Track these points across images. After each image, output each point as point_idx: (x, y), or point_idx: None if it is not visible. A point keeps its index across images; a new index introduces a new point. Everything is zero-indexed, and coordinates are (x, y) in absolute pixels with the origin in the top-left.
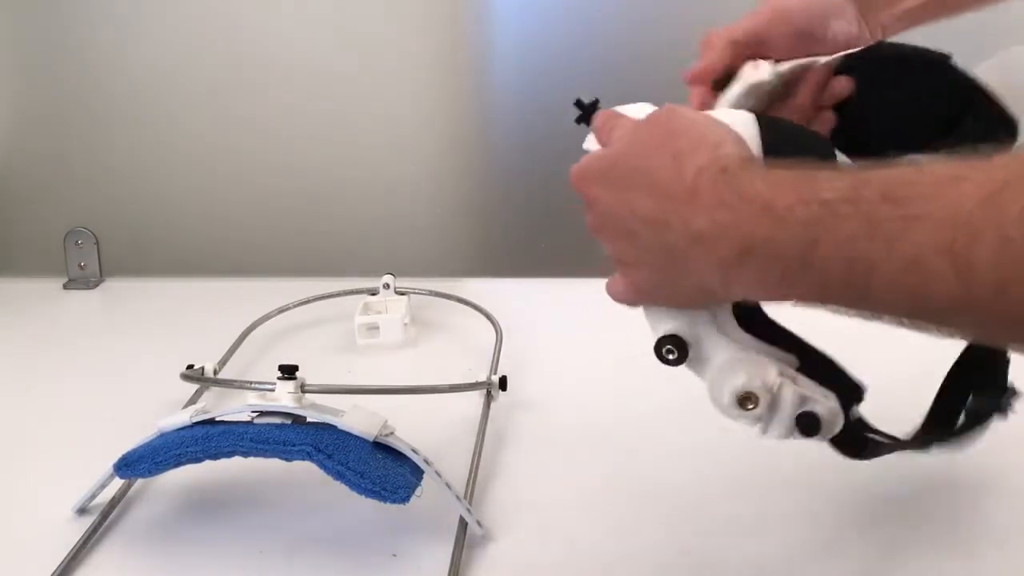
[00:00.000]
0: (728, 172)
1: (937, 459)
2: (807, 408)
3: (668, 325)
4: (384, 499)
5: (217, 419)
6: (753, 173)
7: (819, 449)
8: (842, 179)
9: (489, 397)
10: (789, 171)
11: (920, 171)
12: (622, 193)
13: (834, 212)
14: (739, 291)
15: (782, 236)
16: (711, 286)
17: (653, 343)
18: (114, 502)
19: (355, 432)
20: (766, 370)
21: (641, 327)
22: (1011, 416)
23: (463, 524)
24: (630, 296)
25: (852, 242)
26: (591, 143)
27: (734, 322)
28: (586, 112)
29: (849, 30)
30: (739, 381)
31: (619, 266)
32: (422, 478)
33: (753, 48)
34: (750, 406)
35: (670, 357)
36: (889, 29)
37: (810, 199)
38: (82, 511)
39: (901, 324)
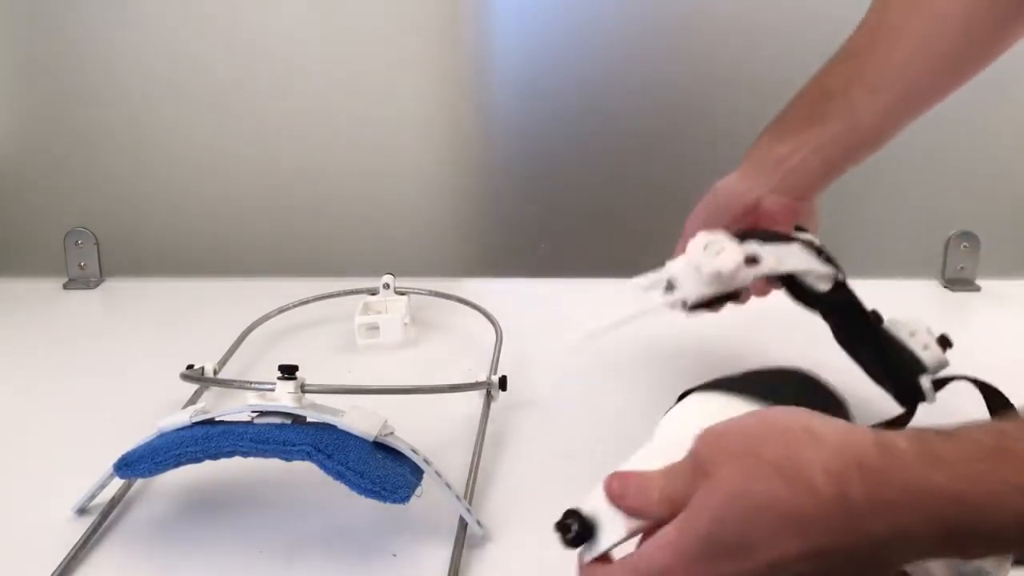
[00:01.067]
0: (870, 467)
1: None
2: None
3: None
4: (384, 499)
5: (217, 419)
6: (904, 459)
7: None
8: None
9: (489, 397)
10: (959, 446)
11: None
12: (749, 554)
13: None
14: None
15: (993, 525)
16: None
17: None
18: (114, 502)
19: (355, 432)
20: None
21: (642, 327)
22: None
23: (463, 524)
24: None
25: None
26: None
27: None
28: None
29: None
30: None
31: None
32: (422, 478)
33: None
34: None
35: None
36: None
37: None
38: (82, 511)
39: None
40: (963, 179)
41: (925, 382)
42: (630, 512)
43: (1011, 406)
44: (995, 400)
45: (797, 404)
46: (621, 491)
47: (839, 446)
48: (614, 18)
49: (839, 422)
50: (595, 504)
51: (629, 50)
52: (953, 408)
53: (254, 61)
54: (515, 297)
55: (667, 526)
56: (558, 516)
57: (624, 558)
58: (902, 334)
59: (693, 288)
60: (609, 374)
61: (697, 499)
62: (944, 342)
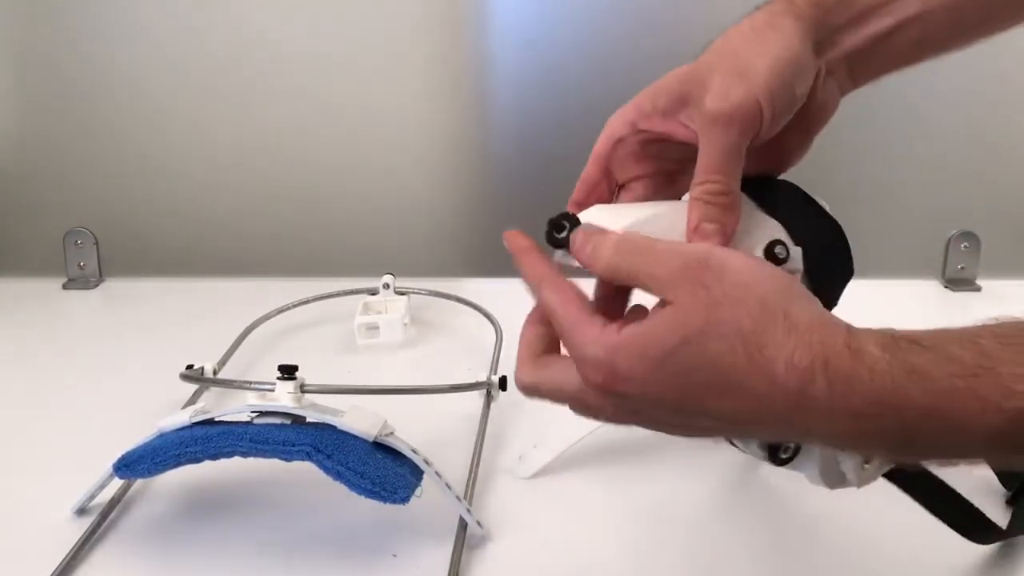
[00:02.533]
0: (838, 371)
1: None
2: None
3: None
4: (384, 499)
5: (217, 419)
6: (882, 373)
7: None
8: None
9: (489, 397)
10: (941, 363)
11: None
12: (684, 396)
13: None
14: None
15: (963, 441)
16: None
17: (752, 445)
18: (114, 502)
19: (355, 432)
20: None
21: None
22: None
23: (463, 524)
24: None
25: None
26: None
27: None
28: (560, 239)
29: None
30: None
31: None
32: (422, 478)
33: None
34: (867, 465)
35: (785, 456)
36: (858, 72)
37: (1003, 405)
38: (82, 511)
39: None
40: (963, 179)
41: None
42: (613, 268)
43: None
44: None
45: (792, 222)
46: (621, 250)
47: (810, 340)
48: (614, 18)
49: (817, 309)
50: (590, 216)
51: (629, 50)
52: None
53: (254, 62)
54: (515, 297)
55: (623, 330)
56: (558, 516)
57: (579, 336)
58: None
59: None
60: None
61: (658, 321)
62: None
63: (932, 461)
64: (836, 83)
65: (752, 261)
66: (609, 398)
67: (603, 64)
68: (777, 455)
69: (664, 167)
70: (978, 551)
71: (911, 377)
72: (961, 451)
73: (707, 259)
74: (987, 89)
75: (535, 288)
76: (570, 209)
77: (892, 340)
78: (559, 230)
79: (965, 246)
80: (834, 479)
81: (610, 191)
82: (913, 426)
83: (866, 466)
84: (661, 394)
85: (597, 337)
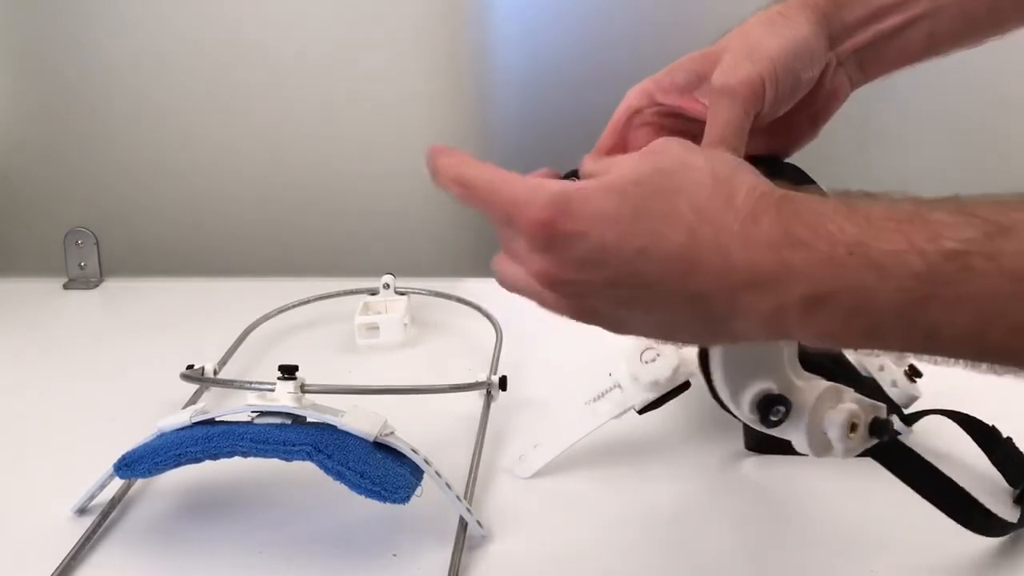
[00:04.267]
0: (794, 201)
1: None
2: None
3: (760, 385)
4: (384, 499)
5: (217, 419)
6: (828, 206)
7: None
8: (970, 226)
9: (489, 397)
10: (880, 208)
11: None
12: (634, 229)
13: (964, 266)
14: (793, 337)
15: (882, 287)
16: (747, 332)
17: (743, 408)
18: (114, 502)
19: (355, 432)
20: (846, 393)
21: None
22: None
23: (463, 524)
24: (614, 332)
25: (989, 301)
26: None
27: (798, 363)
28: None
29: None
30: (844, 416)
31: (586, 314)
32: (422, 478)
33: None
34: (852, 434)
35: (775, 418)
36: (869, 66)
37: (926, 248)
38: (82, 511)
39: None
40: (963, 179)
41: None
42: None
43: (992, 432)
44: (973, 426)
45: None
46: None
47: (771, 183)
48: (614, 17)
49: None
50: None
51: (629, 50)
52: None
53: (255, 61)
54: (515, 297)
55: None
56: (558, 516)
57: (517, 185)
58: (871, 368)
59: (636, 395)
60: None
61: (629, 161)
62: (912, 373)
63: (842, 336)
64: (846, 75)
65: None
66: (544, 250)
67: (603, 64)
68: (768, 418)
69: (678, 136)
70: (979, 547)
71: (851, 215)
72: (874, 311)
73: (680, 140)
74: (987, 89)
75: (454, 178)
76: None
77: (847, 191)
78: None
79: None
80: (820, 447)
81: None
82: (838, 262)
83: (851, 435)
84: (604, 231)
85: (544, 182)
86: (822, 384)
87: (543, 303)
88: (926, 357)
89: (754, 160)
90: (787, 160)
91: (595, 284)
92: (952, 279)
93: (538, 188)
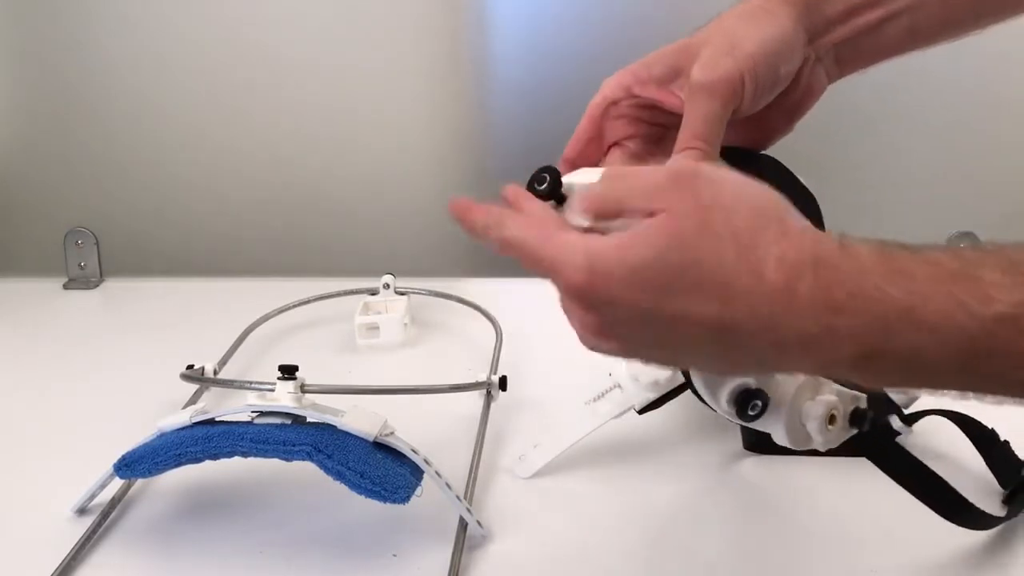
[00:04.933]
0: (828, 264)
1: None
2: (857, 405)
3: (736, 380)
4: (384, 499)
5: (217, 419)
6: (867, 265)
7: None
8: (1018, 287)
9: (489, 397)
10: (923, 266)
11: None
12: (665, 298)
13: (1019, 329)
14: (842, 379)
15: (933, 347)
16: (793, 371)
17: (721, 402)
18: (114, 502)
19: (355, 432)
20: (825, 385)
21: None
22: None
23: (463, 524)
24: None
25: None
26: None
27: None
28: (541, 191)
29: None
30: (822, 408)
31: (634, 355)
32: (422, 478)
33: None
34: (831, 426)
35: (753, 412)
36: (846, 61)
37: (978, 311)
38: (82, 511)
39: None
40: (963, 179)
41: (895, 422)
42: (600, 196)
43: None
44: (971, 428)
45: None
46: (608, 177)
47: (802, 241)
48: (614, 18)
49: (809, 224)
50: (575, 179)
51: (630, 50)
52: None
53: (254, 61)
54: (515, 297)
55: (606, 237)
56: (558, 516)
57: (556, 241)
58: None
59: (636, 395)
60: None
61: (647, 225)
62: None
63: (898, 383)
64: (823, 70)
65: (742, 176)
66: (589, 309)
67: (604, 64)
68: (745, 412)
69: (653, 130)
70: (977, 545)
71: (894, 276)
72: (930, 366)
73: (697, 169)
74: (987, 89)
75: (497, 241)
76: (560, 166)
77: (881, 243)
78: (540, 182)
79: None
80: (799, 439)
81: (600, 150)
82: (887, 327)
83: (830, 427)
84: (640, 298)
85: (577, 240)
86: (800, 376)
87: (589, 344)
88: (992, 400)
89: (731, 152)
90: (764, 152)
91: (640, 337)
92: (1005, 340)
93: (571, 251)
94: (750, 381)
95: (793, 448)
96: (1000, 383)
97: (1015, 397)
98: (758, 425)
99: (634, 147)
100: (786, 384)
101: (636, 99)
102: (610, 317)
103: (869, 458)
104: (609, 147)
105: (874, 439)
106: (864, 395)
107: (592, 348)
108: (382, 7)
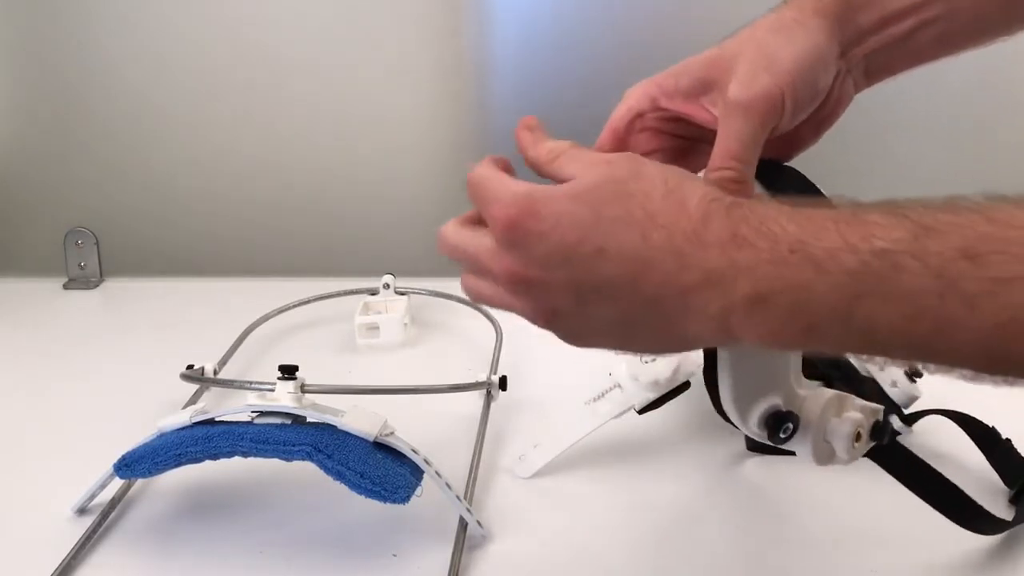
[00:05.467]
0: (743, 205)
1: None
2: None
3: (768, 401)
4: (384, 499)
5: (217, 419)
6: (773, 209)
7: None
8: (900, 226)
9: (489, 397)
10: (821, 210)
11: (994, 222)
12: (591, 230)
13: (894, 264)
14: (740, 340)
15: (818, 284)
16: (698, 335)
17: (751, 424)
18: (114, 502)
19: (355, 432)
20: (849, 401)
21: None
22: None
23: (463, 524)
24: (570, 342)
25: (915, 298)
26: None
27: (801, 374)
28: None
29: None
30: (849, 426)
31: (547, 318)
32: (422, 478)
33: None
34: (857, 443)
35: (784, 435)
36: (876, 71)
37: (859, 246)
38: (82, 511)
39: (962, 376)
40: (962, 179)
41: (895, 422)
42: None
43: (991, 433)
44: (972, 427)
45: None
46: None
47: (722, 192)
48: (614, 18)
49: None
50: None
51: (630, 50)
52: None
53: (254, 61)
54: None
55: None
56: (559, 516)
57: (496, 183)
58: (872, 368)
59: (636, 395)
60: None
61: (583, 169)
62: (912, 373)
63: (784, 337)
64: (852, 80)
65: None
66: (512, 248)
67: (603, 66)
68: (777, 434)
69: (680, 143)
70: (977, 546)
71: (796, 216)
72: (815, 311)
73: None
74: (987, 88)
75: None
76: None
77: (796, 199)
78: None
79: None
80: (824, 456)
81: None
82: (779, 260)
83: (856, 444)
84: (565, 232)
85: (516, 183)
86: (826, 393)
87: (508, 306)
88: (865, 358)
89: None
90: (787, 164)
91: (557, 283)
92: (882, 276)
93: (507, 187)
94: (779, 403)
95: (818, 465)
96: (875, 335)
97: (885, 355)
98: (786, 445)
99: (659, 160)
100: (812, 401)
101: (662, 111)
102: (530, 254)
103: (876, 461)
104: None
105: (903, 457)
106: (882, 408)
107: (506, 306)
108: (382, 7)
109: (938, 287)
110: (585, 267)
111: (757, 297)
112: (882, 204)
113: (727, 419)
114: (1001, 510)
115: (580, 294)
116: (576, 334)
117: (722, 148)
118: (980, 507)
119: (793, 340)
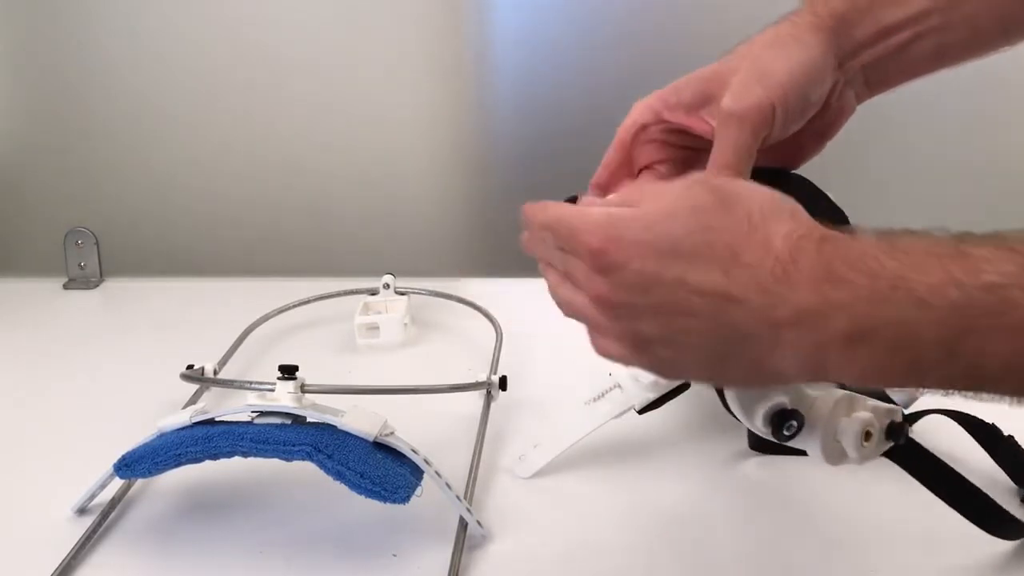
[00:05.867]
0: (833, 240)
1: None
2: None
3: (773, 399)
4: (384, 499)
5: (217, 419)
6: (869, 244)
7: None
8: (1009, 260)
9: (489, 397)
10: (920, 243)
11: None
12: (671, 261)
13: (1003, 299)
14: (836, 376)
15: (922, 320)
16: (790, 371)
17: (757, 422)
18: (114, 502)
19: (355, 432)
20: (859, 401)
21: None
22: None
23: (463, 524)
24: (640, 365)
25: None
26: None
27: None
28: None
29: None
30: (858, 425)
31: (637, 345)
32: (422, 478)
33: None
34: (866, 443)
35: (788, 432)
36: (876, 82)
37: (965, 281)
38: (82, 511)
39: None
40: (962, 179)
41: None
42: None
43: (992, 430)
44: (973, 425)
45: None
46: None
47: (811, 224)
48: (614, 17)
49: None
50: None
51: (630, 49)
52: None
53: (254, 61)
54: (515, 297)
55: (631, 208)
56: (558, 515)
57: (581, 213)
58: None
59: (636, 395)
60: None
61: (667, 196)
62: None
63: (886, 373)
64: (853, 91)
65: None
66: (601, 273)
67: (603, 65)
68: (781, 432)
69: (683, 153)
70: (980, 546)
71: (893, 251)
72: (917, 346)
73: (708, 178)
74: (987, 88)
75: (541, 210)
76: (591, 190)
77: (888, 229)
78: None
79: None
80: (835, 456)
81: (631, 174)
82: (880, 298)
83: (865, 444)
84: (648, 260)
85: (602, 210)
86: (836, 393)
87: (598, 328)
88: (971, 395)
89: (761, 172)
90: (793, 172)
91: (643, 309)
92: (991, 311)
93: (594, 216)
94: (785, 401)
95: (829, 464)
96: (983, 371)
97: (995, 392)
98: (793, 443)
99: (664, 171)
100: (822, 401)
101: (666, 124)
102: (619, 280)
103: (900, 464)
104: (640, 171)
105: (921, 457)
106: (900, 408)
107: (596, 328)
108: (382, 7)
109: None
110: (668, 295)
111: (856, 334)
112: (989, 237)
113: (734, 415)
114: (1015, 509)
115: (667, 321)
116: (667, 363)
117: (717, 157)
118: (1005, 511)
119: (895, 377)
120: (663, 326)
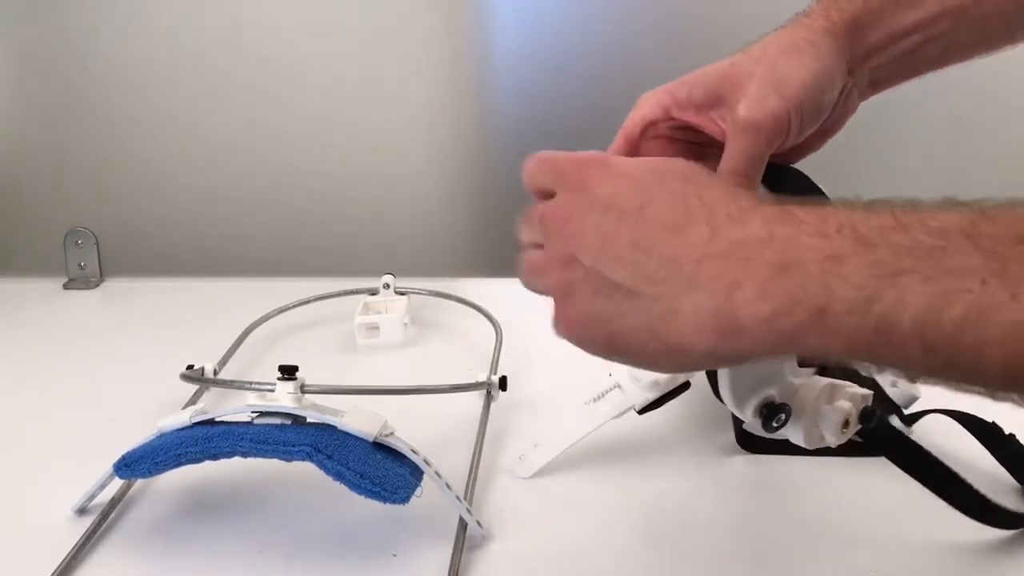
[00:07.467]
0: (797, 200)
1: None
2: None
3: (763, 393)
4: (384, 499)
5: (217, 419)
6: (828, 203)
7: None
8: (957, 212)
9: (489, 397)
10: (883, 201)
11: None
12: (641, 190)
13: (943, 244)
14: (739, 329)
15: (854, 258)
16: (695, 321)
17: (747, 414)
18: (114, 502)
19: (355, 432)
20: (839, 390)
21: None
22: None
23: (463, 524)
24: (573, 332)
25: (956, 277)
26: None
27: (796, 364)
28: None
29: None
30: (839, 415)
31: (569, 296)
32: (422, 478)
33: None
34: (845, 429)
35: (777, 424)
36: (880, 82)
37: (912, 226)
38: (82, 511)
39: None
40: (961, 179)
41: (895, 421)
42: None
43: (994, 429)
44: (974, 424)
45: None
46: None
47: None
48: (615, 17)
49: None
50: None
51: (630, 49)
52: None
53: (255, 61)
54: (515, 297)
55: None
56: (559, 515)
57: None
58: (871, 369)
59: (636, 395)
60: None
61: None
62: None
63: (783, 314)
64: (858, 91)
65: None
66: (571, 189)
67: (603, 65)
68: (770, 424)
69: (690, 150)
70: (978, 543)
71: (849, 204)
72: (831, 284)
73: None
74: (987, 88)
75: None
76: None
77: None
78: None
79: None
80: (814, 440)
81: None
82: (821, 233)
83: (844, 430)
84: (620, 187)
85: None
86: (820, 382)
87: (541, 259)
88: (877, 359)
89: None
90: (791, 166)
91: (590, 229)
92: (929, 252)
93: (582, 152)
94: (775, 395)
95: (807, 448)
96: (896, 323)
97: (904, 350)
98: (779, 434)
99: None
100: (806, 390)
101: (674, 121)
102: (579, 199)
103: (895, 462)
104: None
105: (892, 439)
106: (871, 393)
107: (538, 261)
108: (382, 7)
109: (984, 269)
110: (621, 218)
111: (780, 266)
112: (939, 199)
113: (720, 397)
114: (1017, 505)
115: (602, 247)
116: (577, 303)
117: (729, 163)
118: (1003, 507)
119: (797, 326)
120: (598, 253)
